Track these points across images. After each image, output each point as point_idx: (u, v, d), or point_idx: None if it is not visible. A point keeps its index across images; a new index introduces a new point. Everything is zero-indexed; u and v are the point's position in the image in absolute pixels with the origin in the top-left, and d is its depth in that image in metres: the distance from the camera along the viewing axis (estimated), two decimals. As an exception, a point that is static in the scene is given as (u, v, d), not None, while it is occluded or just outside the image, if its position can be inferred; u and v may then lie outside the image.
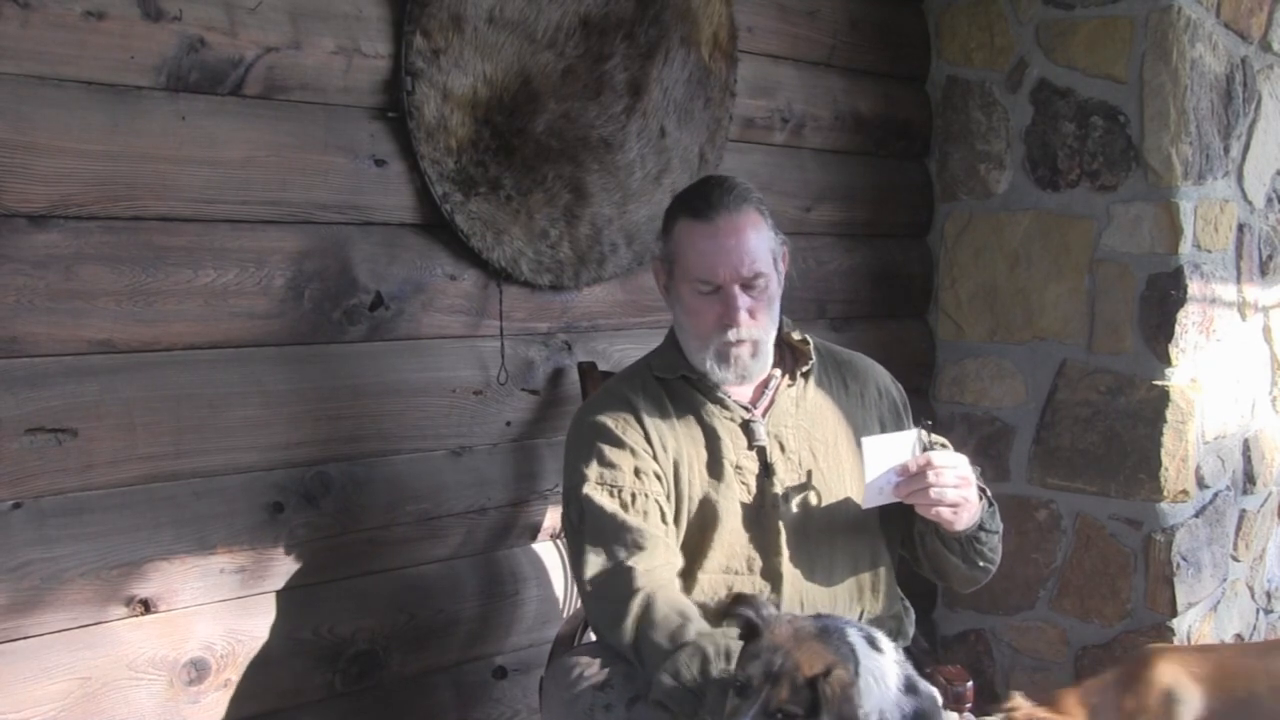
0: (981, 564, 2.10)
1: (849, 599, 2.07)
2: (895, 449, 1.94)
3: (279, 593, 2.21)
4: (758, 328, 2.03)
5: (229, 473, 2.13)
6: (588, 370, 2.57)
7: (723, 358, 2.03)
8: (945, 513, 1.94)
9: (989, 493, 2.08)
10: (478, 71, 2.36)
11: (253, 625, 2.18)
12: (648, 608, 1.85)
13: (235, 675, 2.15)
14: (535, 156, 2.46)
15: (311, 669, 2.25)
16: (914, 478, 1.92)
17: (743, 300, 2.00)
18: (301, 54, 2.16)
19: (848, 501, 2.07)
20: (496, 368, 2.50)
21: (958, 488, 1.93)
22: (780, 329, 2.18)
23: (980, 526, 2.04)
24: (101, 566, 1.98)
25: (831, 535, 2.05)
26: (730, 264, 1.99)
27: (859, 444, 2.11)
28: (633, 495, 1.97)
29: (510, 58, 2.40)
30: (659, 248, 2.13)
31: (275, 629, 2.20)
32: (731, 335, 2.01)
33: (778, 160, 3.08)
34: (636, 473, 1.98)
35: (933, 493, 1.91)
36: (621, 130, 2.61)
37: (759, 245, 2.01)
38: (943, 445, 2.25)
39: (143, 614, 2.03)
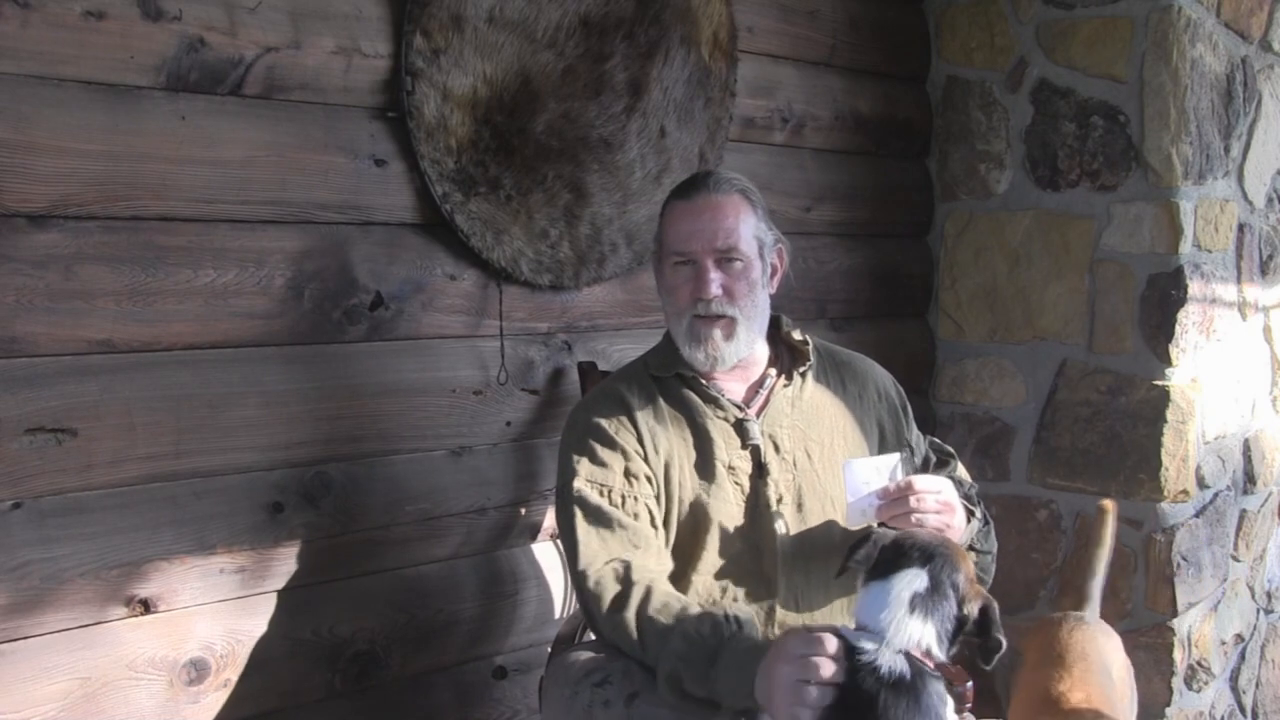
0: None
1: (846, 601, 2.07)
2: (877, 471, 1.95)
3: (279, 593, 2.21)
4: (731, 305, 2.02)
5: (229, 473, 2.13)
6: (588, 370, 2.57)
7: (695, 336, 2.03)
8: None
9: (980, 512, 2.07)
10: (478, 71, 2.36)
11: (253, 625, 2.18)
12: (648, 595, 1.85)
13: (235, 675, 2.15)
14: (535, 156, 2.46)
15: (311, 669, 2.25)
16: (895, 501, 1.92)
17: (715, 274, 2.01)
18: (301, 54, 2.16)
19: (842, 504, 2.06)
20: (496, 368, 2.50)
21: (939, 514, 1.92)
22: (780, 328, 2.18)
23: (970, 547, 2.04)
24: (101, 566, 1.98)
25: (828, 536, 2.05)
26: (703, 236, 2.01)
27: (857, 444, 2.11)
28: (622, 498, 1.97)
29: (510, 58, 2.40)
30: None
31: (275, 629, 2.20)
32: (701, 308, 2.01)
33: (778, 160, 3.08)
34: (627, 474, 1.99)
35: (914, 517, 1.90)
36: (621, 130, 2.61)
37: (738, 226, 2.02)
38: (949, 456, 2.25)
39: (143, 614, 2.03)
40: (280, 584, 2.21)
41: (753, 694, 1.67)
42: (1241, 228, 3.30)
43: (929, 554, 1.70)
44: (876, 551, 1.74)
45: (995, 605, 1.71)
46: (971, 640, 1.72)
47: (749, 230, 2.03)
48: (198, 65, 2.04)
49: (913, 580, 1.67)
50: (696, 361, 2.05)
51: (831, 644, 1.62)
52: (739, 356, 2.06)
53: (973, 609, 1.70)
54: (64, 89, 1.91)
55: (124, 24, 1.96)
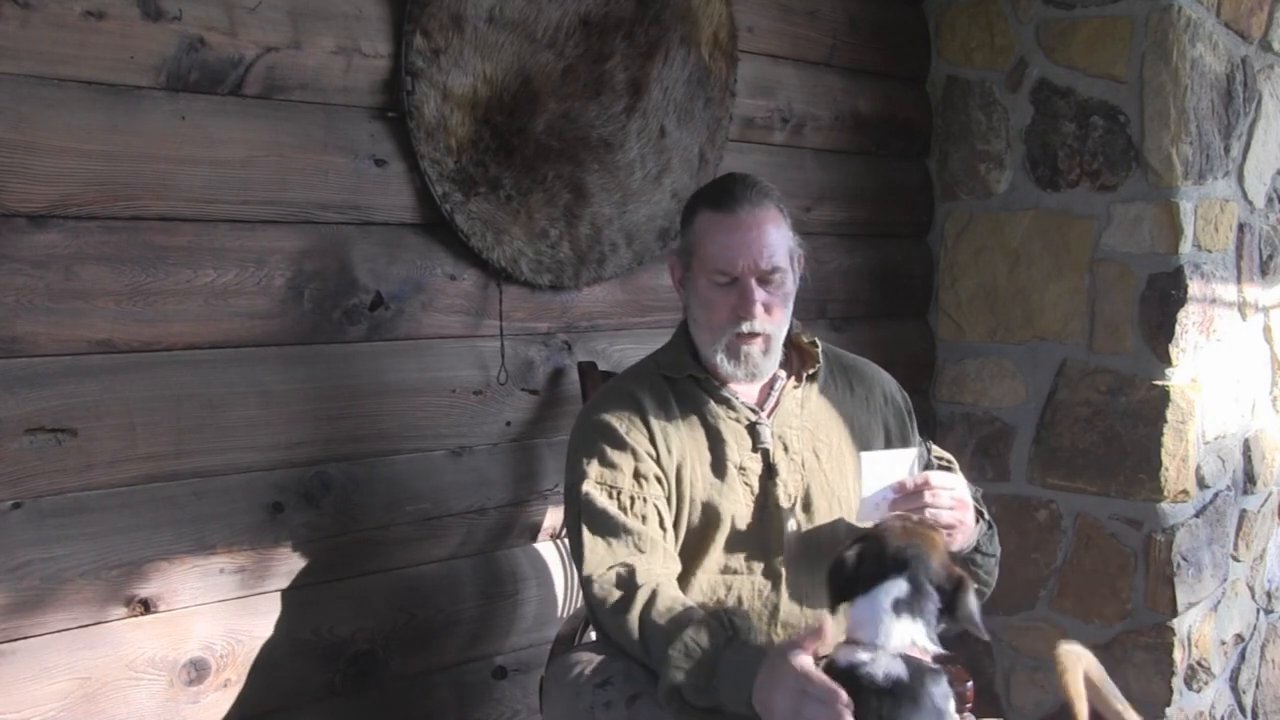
0: (975, 587, 2.09)
1: (848, 603, 2.07)
2: (894, 466, 1.94)
3: (279, 593, 2.21)
4: (771, 323, 2.02)
5: (229, 473, 2.13)
6: (588, 370, 2.57)
7: (733, 353, 2.02)
8: None
9: (987, 515, 2.08)
10: (478, 71, 2.36)
11: (253, 625, 2.18)
12: (652, 599, 1.85)
13: (235, 675, 2.15)
14: (535, 156, 2.46)
15: (311, 669, 2.25)
16: (910, 496, 1.91)
17: (759, 294, 1.99)
18: (301, 54, 2.16)
19: (849, 504, 2.06)
20: (496, 368, 2.50)
21: (953, 510, 1.92)
22: (790, 330, 2.19)
23: (976, 549, 2.04)
24: (101, 566, 1.98)
25: (834, 536, 2.05)
26: (749, 255, 1.98)
27: (863, 446, 2.11)
28: (631, 499, 1.97)
29: (510, 57, 2.40)
30: (676, 241, 2.12)
31: (275, 629, 2.20)
32: (745, 327, 2.00)
33: (778, 160, 3.07)
34: (636, 475, 1.98)
35: (928, 513, 1.89)
36: (621, 130, 2.61)
37: (778, 241, 2.01)
38: (948, 462, 2.25)
39: (143, 614, 2.03)
40: (280, 584, 2.21)
41: (751, 701, 1.67)
42: (1241, 228, 3.30)
43: (902, 561, 1.74)
44: (854, 570, 1.77)
45: (966, 579, 1.76)
46: (946, 618, 1.75)
47: (785, 243, 2.03)
48: (198, 65, 2.04)
49: (891, 589, 1.71)
50: (734, 376, 2.05)
51: (835, 695, 1.59)
52: (773, 370, 2.08)
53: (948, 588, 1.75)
54: (64, 89, 1.91)
55: (124, 24, 1.96)
